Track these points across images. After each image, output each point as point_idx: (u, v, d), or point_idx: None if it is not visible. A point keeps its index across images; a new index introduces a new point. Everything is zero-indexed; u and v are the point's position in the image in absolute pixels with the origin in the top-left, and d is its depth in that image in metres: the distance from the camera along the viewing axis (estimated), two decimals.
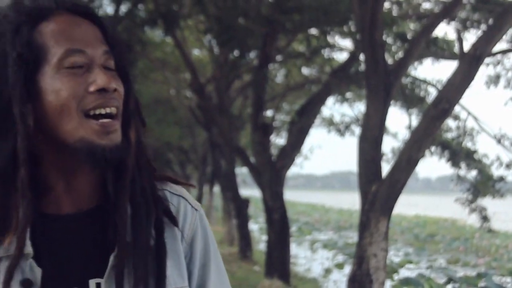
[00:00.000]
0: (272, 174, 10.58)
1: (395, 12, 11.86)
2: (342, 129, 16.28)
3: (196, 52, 18.36)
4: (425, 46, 9.13)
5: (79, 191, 1.10)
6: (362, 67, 8.81)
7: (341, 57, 14.56)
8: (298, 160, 23.27)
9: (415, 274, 13.68)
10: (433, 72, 14.63)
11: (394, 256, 18.31)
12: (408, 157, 6.39)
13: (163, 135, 23.47)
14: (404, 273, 14.38)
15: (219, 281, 1.21)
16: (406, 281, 12.09)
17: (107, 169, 1.09)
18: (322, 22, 9.64)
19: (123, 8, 13.03)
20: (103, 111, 1.04)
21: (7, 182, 1.03)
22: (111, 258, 1.07)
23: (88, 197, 1.11)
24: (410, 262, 17.07)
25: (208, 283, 1.19)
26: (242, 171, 27.05)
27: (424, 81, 12.56)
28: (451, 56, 11.00)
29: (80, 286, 1.07)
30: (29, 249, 1.04)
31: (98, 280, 1.07)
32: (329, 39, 11.48)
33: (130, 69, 1.14)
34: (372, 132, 6.71)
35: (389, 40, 11.10)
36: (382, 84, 6.58)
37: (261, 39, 10.75)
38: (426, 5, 11.95)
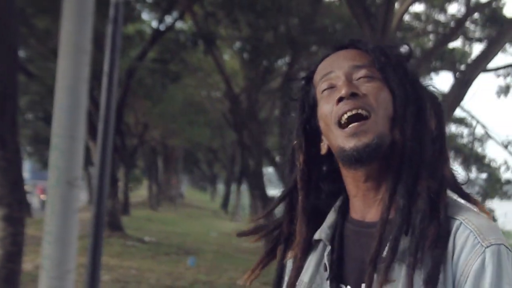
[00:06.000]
0: None
1: (416, 24, 12.94)
2: None
3: (226, 57, 19.24)
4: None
5: (372, 204, 1.14)
6: None
7: None
8: None
9: None
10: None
11: None
12: None
13: (194, 136, 24.41)
14: None
15: None
16: None
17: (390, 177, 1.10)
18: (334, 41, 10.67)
19: (165, 24, 13.96)
20: (345, 116, 1.09)
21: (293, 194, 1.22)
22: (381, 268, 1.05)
23: (377, 211, 1.12)
24: None
25: None
26: (268, 171, 27.77)
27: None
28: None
29: (352, 286, 1.13)
30: (322, 235, 1.16)
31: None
32: None
33: (394, 73, 1.12)
34: None
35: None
36: None
37: (288, 50, 11.85)
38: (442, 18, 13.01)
